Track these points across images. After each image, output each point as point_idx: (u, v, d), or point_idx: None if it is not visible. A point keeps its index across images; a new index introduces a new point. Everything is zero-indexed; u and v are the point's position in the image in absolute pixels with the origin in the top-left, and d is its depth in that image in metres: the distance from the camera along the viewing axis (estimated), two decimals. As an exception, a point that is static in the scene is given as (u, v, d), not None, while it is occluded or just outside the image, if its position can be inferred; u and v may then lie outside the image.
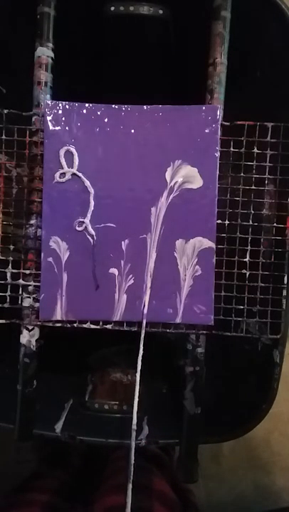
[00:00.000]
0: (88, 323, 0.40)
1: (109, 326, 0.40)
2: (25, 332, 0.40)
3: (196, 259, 0.39)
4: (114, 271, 0.40)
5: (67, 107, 0.39)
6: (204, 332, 0.40)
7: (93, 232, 0.39)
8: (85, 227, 0.39)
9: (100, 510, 0.44)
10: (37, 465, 0.63)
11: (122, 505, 0.43)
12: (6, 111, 0.40)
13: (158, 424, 0.47)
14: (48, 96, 0.40)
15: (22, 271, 0.40)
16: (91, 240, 0.39)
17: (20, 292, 0.40)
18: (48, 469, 0.59)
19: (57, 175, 0.39)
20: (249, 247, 0.40)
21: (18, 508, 0.45)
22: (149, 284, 0.39)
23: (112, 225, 0.39)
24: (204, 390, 0.41)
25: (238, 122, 0.39)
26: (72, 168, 0.39)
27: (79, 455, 0.66)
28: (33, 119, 0.40)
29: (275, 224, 0.41)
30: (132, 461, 0.38)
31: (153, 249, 0.39)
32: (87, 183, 0.39)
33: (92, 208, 0.39)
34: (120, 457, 0.55)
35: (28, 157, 0.40)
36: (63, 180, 0.39)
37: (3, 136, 0.40)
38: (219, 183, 0.39)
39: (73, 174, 0.39)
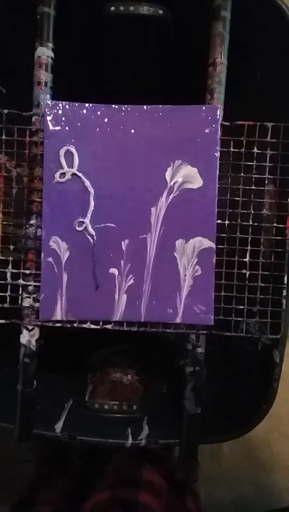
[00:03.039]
0: (88, 323, 0.40)
1: (109, 326, 0.40)
2: (25, 332, 0.40)
3: (196, 259, 0.39)
4: (114, 271, 0.40)
5: (67, 107, 0.39)
6: (204, 332, 0.40)
7: (93, 232, 0.39)
8: (85, 227, 0.39)
9: (88, 508, 0.46)
10: (37, 469, 0.63)
11: (106, 500, 0.45)
12: (6, 111, 0.40)
13: (158, 424, 0.47)
14: (48, 96, 0.40)
15: (22, 271, 0.40)
16: (91, 240, 0.39)
17: (20, 292, 0.40)
18: (50, 476, 0.59)
19: (57, 175, 0.39)
20: (249, 247, 0.40)
21: None
22: (149, 284, 0.39)
23: (112, 225, 0.39)
24: (204, 390, 0.41)
25: (238, 122, 0.39)
26: (72, 168, 0.39)
27: (79, 458, 0.66)
28: (33, 119, 0.40)
29: (275, 224, 0.41)
30: None
31: (153, 249, 0.39)
32: (87, 183, 0.39)
33: (92, 207, 0.39)
34: (118, 459, 0.56)
35: (28, 157, 0.40)
36: (63, 180, 0.39)
37: (3, 136, 0.40)
38: (219, 183, 0.39)
39: (73, 174, 0.39)
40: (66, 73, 0.41)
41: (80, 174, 0.39)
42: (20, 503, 0.51)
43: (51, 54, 0.40)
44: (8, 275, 0.40)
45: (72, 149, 0.39)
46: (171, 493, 0.49)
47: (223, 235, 0.40)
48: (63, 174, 0.39)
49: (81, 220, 0.39)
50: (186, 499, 0.51)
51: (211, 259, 0.39)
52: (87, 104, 0.39)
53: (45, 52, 0.39)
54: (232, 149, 0.39)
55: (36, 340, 0.41)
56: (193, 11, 0.41)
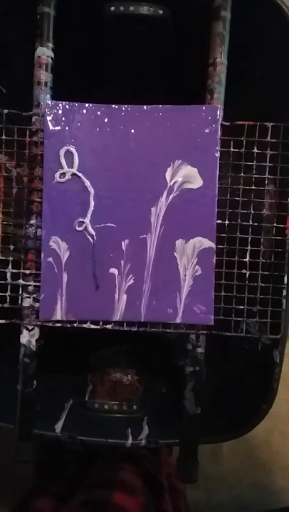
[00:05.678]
0: (88, 323, 0.40)
1: (109, 326, 0.40)
2: (25, 332, 0.40)
3: (196, 259, 0.39)
4: (114, 271, 0.40)
5: (67, 107, 0.39)
6: (204, 332, 0.40)
7: (93, 232, 0.39)
8: (85, 227, 0.39)
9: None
10: (35, 470, 0.63)
11: (79, 504, 0.47)
12: (6, 111, 0.40)
13: (158, 424, 0.47)
14: (48, 96, 0.40)
15: (22, 271, 0.40)
16: (91, 240, 0.39)
17: (20, 292, 0.40)
18: (45, 486, 0.60)
19: (57, 175, 0.39)
20: (249, 247, 0.40)
21: None
22: (149, 284, 0.39)
23: (112, 225, 0.39)
24: (204, 390, 0.41)
25: (238, 122, 0.39)
26: (72, 168, 0.39)
27: (76, 464, 0.66)
28: (33, 119, 0.40)
29: (275, 224, 0.41)
30: None
31: (153, 249, 0.39)
32: (87, 183, 0.39)
33: (92, 207, 0.39)
34: (101, 461, 0.56)
35: (28, 157, 0.40)
36: (63, 180, 0.39)
37: (3, 136, 0.40)
38: (219, 183, 0.39)
39: (73, 174, 0.39)
40: (66, 73, 0.41)
41: (80, 174, 0.39)
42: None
43: (51, 54, 0.40)
44: (8, 275, 0.40)
45: (72, 149, 0.39)
46: (147, 493, 0.49)
47: (223, 235, 0.40)
48: (63, 174, 0.39)
49: (81, 220, 0.39)
50: (164, 499, 0.51)
51: (211, 259, 0.39)
52: (87, 104, 0.39)
53: (45, 52, 0.39)
54: (232, 149, 0.39)
55: (36, 340, 0.41)
56: (193, 11, 0.41)
